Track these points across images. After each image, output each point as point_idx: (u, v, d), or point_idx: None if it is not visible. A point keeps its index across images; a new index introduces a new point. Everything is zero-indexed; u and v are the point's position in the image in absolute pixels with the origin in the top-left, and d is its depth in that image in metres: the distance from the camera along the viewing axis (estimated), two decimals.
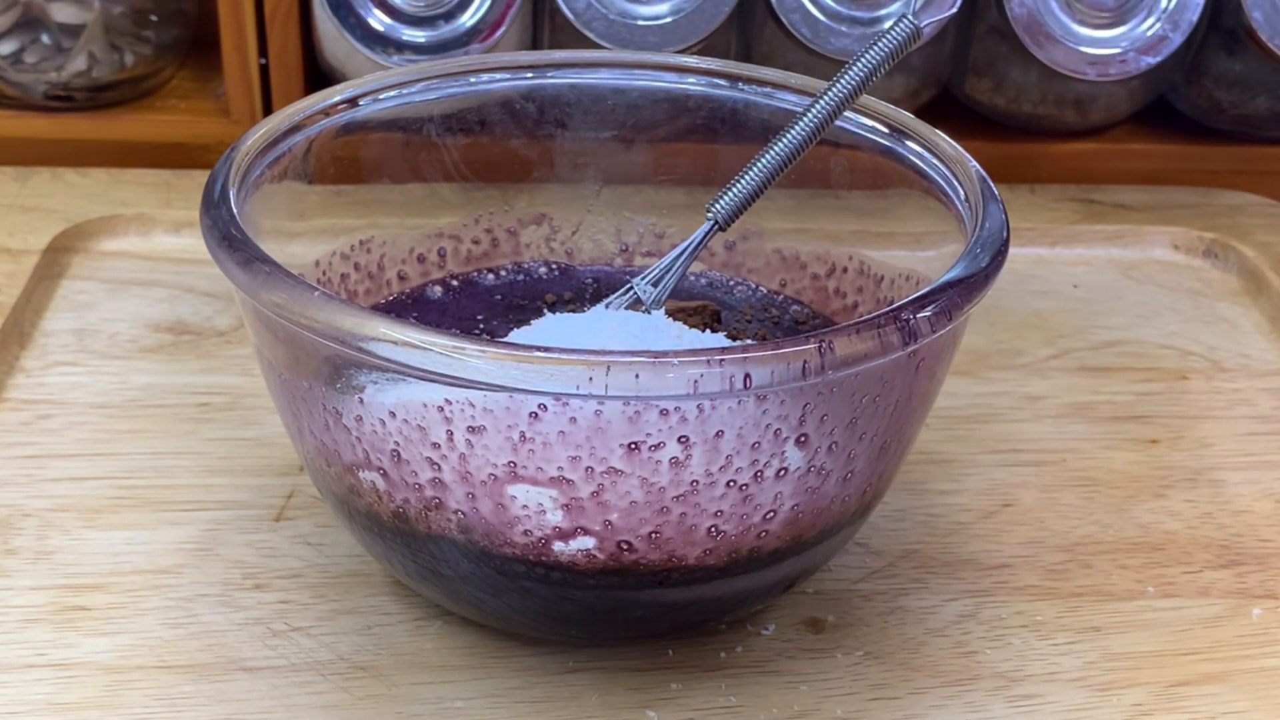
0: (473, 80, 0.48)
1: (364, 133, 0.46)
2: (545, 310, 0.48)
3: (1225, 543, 0.47)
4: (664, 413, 0.33)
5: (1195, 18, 0.65)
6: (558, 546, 0.35)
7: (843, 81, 0.42)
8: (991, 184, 0.41)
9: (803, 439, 0.34)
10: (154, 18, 0.68)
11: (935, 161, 0.43)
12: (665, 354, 0.31)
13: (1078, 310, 0.60)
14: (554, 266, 0.51)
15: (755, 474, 0.34)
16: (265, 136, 0.42)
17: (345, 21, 0.62)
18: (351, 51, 0.63)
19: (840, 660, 0.41)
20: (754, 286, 0.51)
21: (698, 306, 0.48)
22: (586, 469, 0.33)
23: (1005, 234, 0.38)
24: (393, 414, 0.34)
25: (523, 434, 0.33)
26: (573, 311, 0.47)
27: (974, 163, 0.42)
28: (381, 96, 0.46)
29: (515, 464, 0.34)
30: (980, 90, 0.70)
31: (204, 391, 0.51)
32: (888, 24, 0.46)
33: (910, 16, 0.42)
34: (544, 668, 0.40)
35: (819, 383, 0.33)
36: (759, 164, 0.42)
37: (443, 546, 0.36)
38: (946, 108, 0.71)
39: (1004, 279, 0.37)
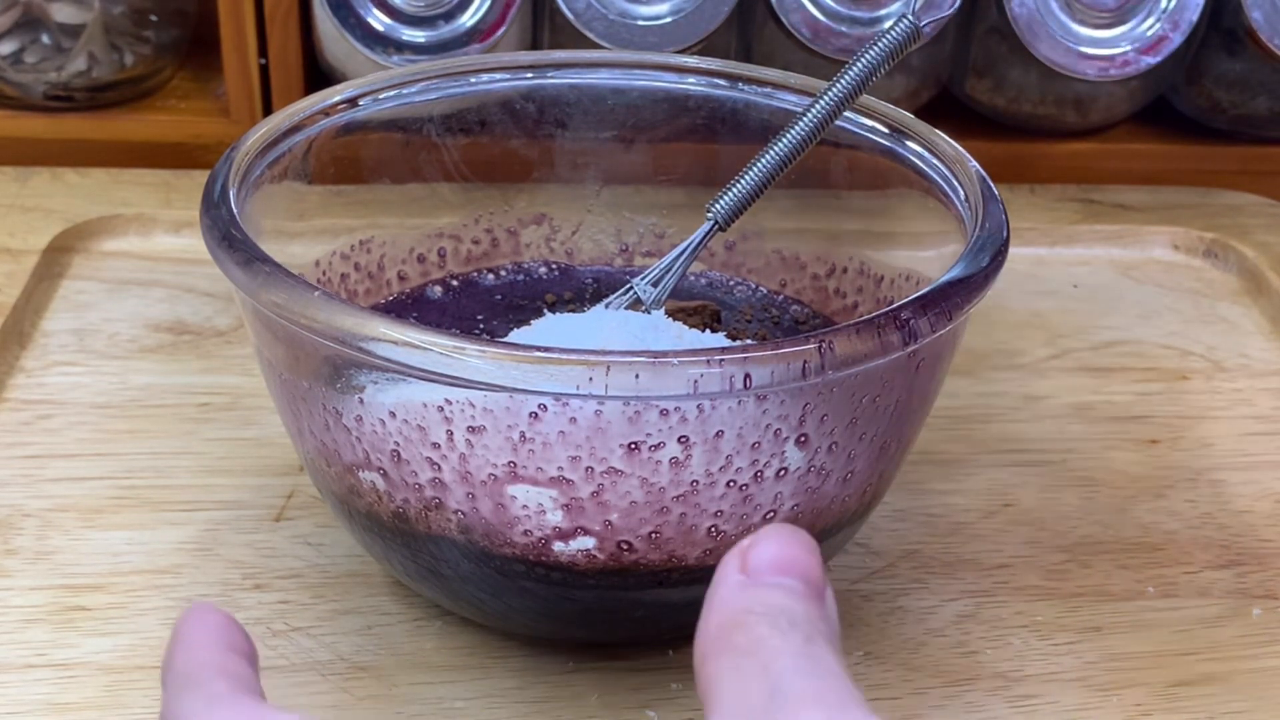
0: (473, 80, 0.48)
1: (364, 133, 0.46)
2: (545, 310, 0.48)
3: (1225, 543, 0.47)
4: (664, 413, 0.33)
5: (1195, 18, 0.65)
6: (558, 546, 0.35)
7: (843, 81, 0.42)
8: (991, 184, 0.41)
9: (803, 439, 0.34)
10: (154, 18, 0.68)
11: (935, 161, 0.43)
12: (665, 354, 0.31)
13: (1078, 310, 0.60)
14: (554, 266, 0.51)
15: (755, 474, 0.34)
16: (265, 136, 0.42)
17: (345, 21, 0.62)
18: (351, 51, 0.63)
19: None
20: (754, 286, 0.51)
21: (698, 306, 0.48)
22: (586, 469, 0.33)
23: (1005, 234, 0.38)
24: (393, 414, 0.34)
25: (523, 434, 0.33)
26: (573, 311, 0.47)
27: (974, 163, 0.42)
28: (381, 96, 0.46)
29: (515, 464, 0.34)
30: (980, 90, 0.70)
31: (204, 391, 0.51)
32: (887, 24, 0.46)
33: (910, 16, 0.42)
34: (544, 668, 0.40)
35: (819, 383, 0.33)
36: (759, 164, 0.42)
37: (443, 547, 0.36)
38: (946, 108, 0.71)
39: (1004, 279, 0.37)
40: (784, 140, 0.42)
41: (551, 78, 0.49)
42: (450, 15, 0.63)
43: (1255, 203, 0.69)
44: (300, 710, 0.28)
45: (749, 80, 0.48)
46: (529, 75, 0.49)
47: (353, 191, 0.47)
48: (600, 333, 0.40)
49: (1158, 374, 0.56)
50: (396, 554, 0.38)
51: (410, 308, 0.49)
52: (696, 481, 0.34)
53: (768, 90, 0.47)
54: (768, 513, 0.35)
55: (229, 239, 0.36)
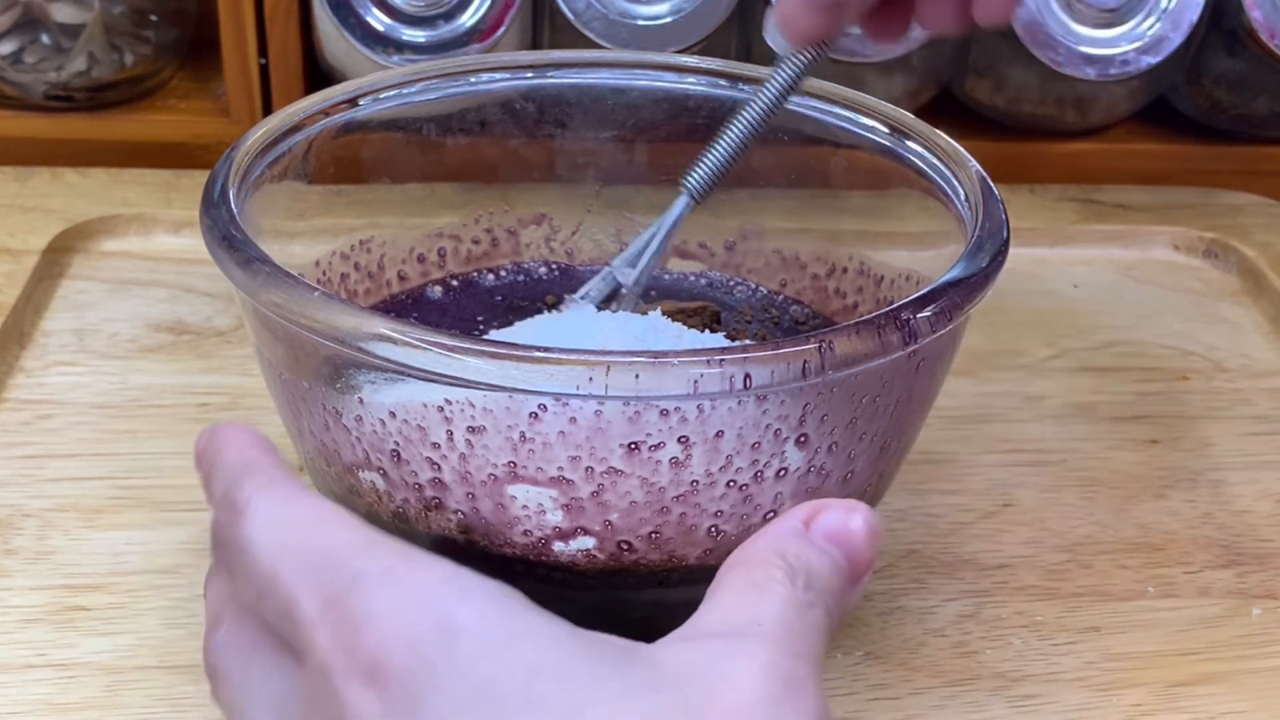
0: (473, 80, 0.48)
1: (364, 133, 0.46)
2: (545, 311, 0.48)
3: (1225, 543, 0.47)
4: (664, 413, 0.33)
5: (1195, 18, 0.65)
6: (558, 547, 0.35)
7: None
8: (991, 184, 0.41)
9: (803, 439, 0.34)
10: (154, 18, 0.68)
11: (935, 161, 0.43)
12: (665, 354, 0.31)
13: (1078, 310, 0.60)
14: (554, 266, 0.51)
15: (755, 474, 0.34)
16: (265, 136, 0.42)
17: (345, 21, 0.62)
18: (351, 51, 0.63)
19: (840, 660, 0.41)
20: (754, 287, 0.51)
21: (698, 307, 0.48)
22: (586, 469, 0.33)
23: (1005, 234, 0.38)
24: (392, 414, 0.34)
25: (523, 434, 0.33)
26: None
27: (974, 162, 0.42)
28: (381, 96, 0.46)
29: (515, 464, 0.34)
30: (980, 90, 0.70)
31: (204, 391, 0.51)
32: None
33: None
34: None
35: (819, 383, 0.33)
36: (728, 134, 0.43)
37: (443, 547, 0.36)
38: (946, 108, 0.71)
39: (1004, 279, 0.37)
40: (752, 108, 0.42)
41: (551, 78, 0.49)
42: (450, 15, 0.63)
43: (1255, 203, 0.69)
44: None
45: (749, 80, 0.48)
46: (529, 75, 0.49)
47: (353, 191, 0.47)
48: (594, 333, 0.40)
49: (1158, 374, 0.56)
50: None
51: (410, 308, 0.49)
52: (696, 482, 0.34)
53: None
54: (768, 513, 0.35)
55: (229, 239, 0.36)
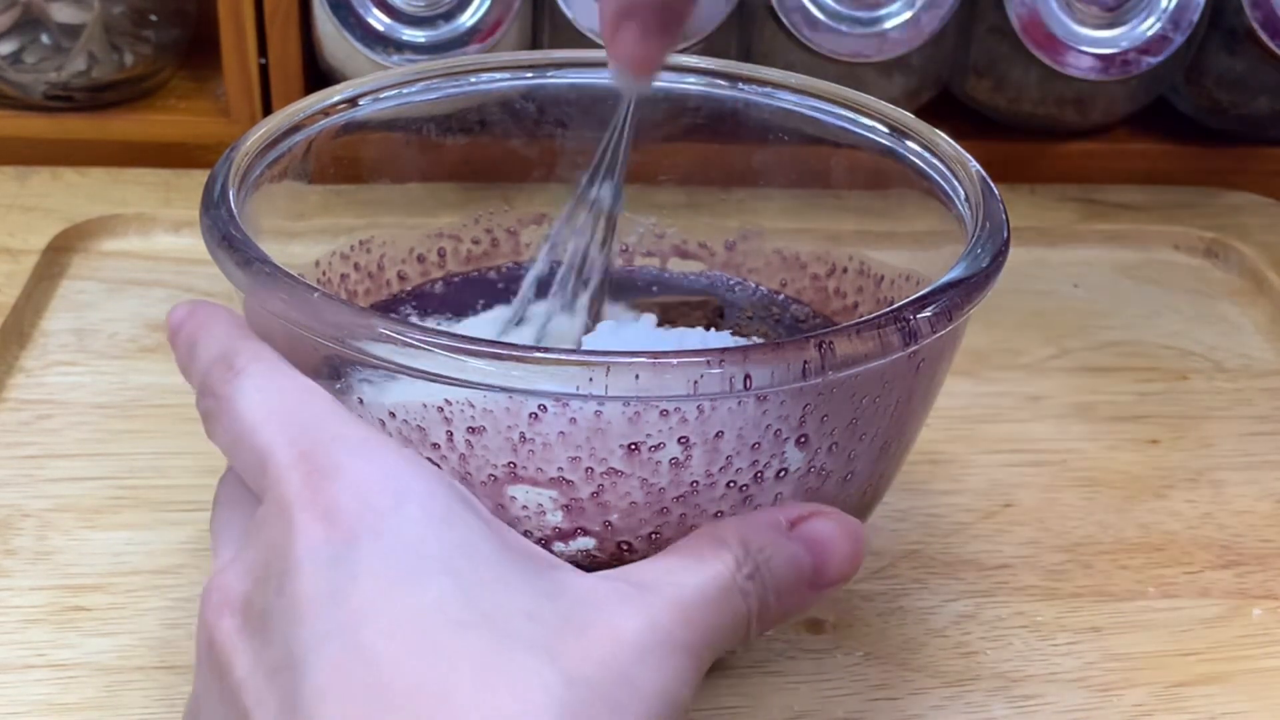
0: (473, 80, 0.48)
1: (364, 133, 0.46)
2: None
3: (1225, 543, 0.47)
4: (664, 413, 0.33)
5: (1195, 18, 0.65)
6: (558, 547, 0.35)
7: None
8: (992, 184, 0.41)
9: (803, 439, 0.34)
10: (154, 18, 0.68)
11: (935, 161, 0.43)
12: (665, 354, 0.31)
13: (1078, 310, 0.60)
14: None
15: (755, 475, 0.34)
16: (265, 136, 0.41)
17: (345, 21, 0.62)
18: (351, 51, 0.63)
19: (840, 660, 0.41)
20: (754, 286, 0.51)
21: (700, 301, 0.48)
22: (586, 470, 0.33)
23: (1006, 234, 0.38)
24: (392, 414, 0.34)
25: (522, 435, 0.33)
26: None
27: (974, 163, 0.42)
28: (381, 96, 0.46)
29: (515, 464, 0.34)
30: (980, 90, 0.70)
31: None
32: None
33: None
34: None
35: (819, 383, 0.33)
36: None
37: None
38: (946, 108, 0.71)
39: (1004, 279, 0.37)
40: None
41: (551, 78, 0.49)
42: (450, 15, 0.63)
43: (1255, 203, 0.69)
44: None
45: (749, 80, 0.48)
46: (529, 75, 0.49)
47: (353, 191, 0.47)
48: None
49: (1158, 374, 0.56)
50: None
51: (411, 308, 0.49)
52: (696, 482, 0.34)
53: (768, 90, 0.47)
54: None
55: (229, 239, 0.36)
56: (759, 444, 0.34)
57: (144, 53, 0.68)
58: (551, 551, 0.35)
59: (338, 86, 0.45)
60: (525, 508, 0.34)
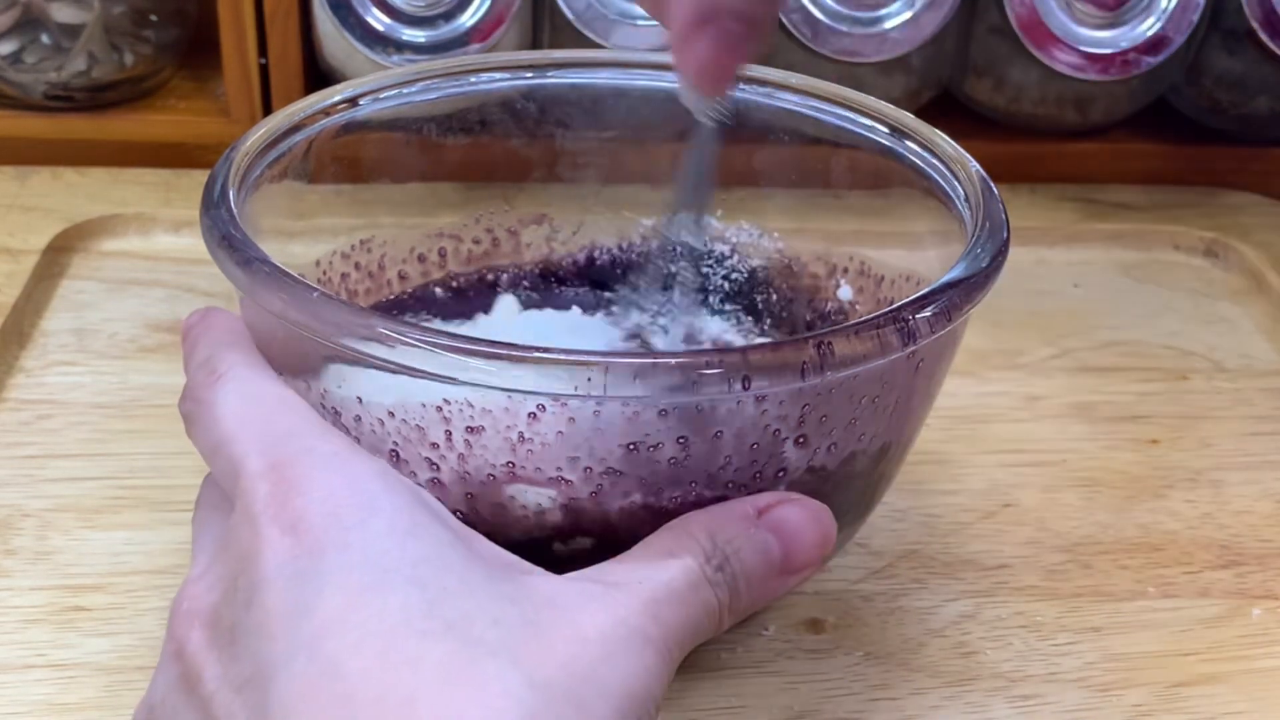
0: (473, 80, 0.48)
1: (364, 133, 0.46)
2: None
3: (1225, 543, 0.47)
4: (663, 413, 0.33)
5: (1195, 18, 0.65)
6: (557, 547, 0.35)
7: None
8: (992, 184, 0.41)
9: (802, 440, 0.34)
10: (154, 18, 0.68)
11: (935, 161, 0.43)
12: (664, 354, 0.31)
13: (1078, 310, 0.60)
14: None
15: (754, 475, 0.34)
16: (265, 136, 0.42)
17: (345, 21, 0.62)
18: (351, 51, 0.63)
19: (840, 660, 0.41)
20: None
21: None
22: (585, 469, 0.33)
23: (1006, 234, 0.38)
24: (391, 414, 0.34)
25: (521, 434, 0.33)
26: None
27: (974, 163, 0.42)
28: (381, 96, 0.46)
29: (514, 464, 0.34)
30: (980, 90, 0.70)
31: None
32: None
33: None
34: None
35: (818, 384, 0.33)
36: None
37: None
38: (946, 108, 0.71)
39: (1004, 279, 0.37)
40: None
41: (551, 78, 0.49)
42: (450, 15, 0.63)
43: (1255, 203, 0.69)
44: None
45: (749, 80, 0.48)
46: (529, 75, 0.49)
47: (353, 191, 0.47)
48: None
49: (1158, 374, 0.56)
50: None
51: (411, 308, 0.49)
52: (695, 482, 0.34)
53: (768, 90, 0.47)
54: None
55: (229, 239, 0.36)
56: (758, 444, 0.34)
57: (144, 53, 0.68)
58: (550, 551, 0.35)
59: (338, 86, 0.45)
60: (524, 507, 0.34)
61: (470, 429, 0.33)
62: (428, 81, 0.47)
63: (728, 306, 0.49)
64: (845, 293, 0.48)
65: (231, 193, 0.38)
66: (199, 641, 0.30)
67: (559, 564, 0.34)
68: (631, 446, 0.33)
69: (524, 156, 0.50)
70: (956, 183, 0.42)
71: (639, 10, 0.63)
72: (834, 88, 0.46)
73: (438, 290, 0.49)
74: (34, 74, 0.66)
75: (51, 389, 0.51)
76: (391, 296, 0.49)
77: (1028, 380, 0.55)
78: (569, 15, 0.63)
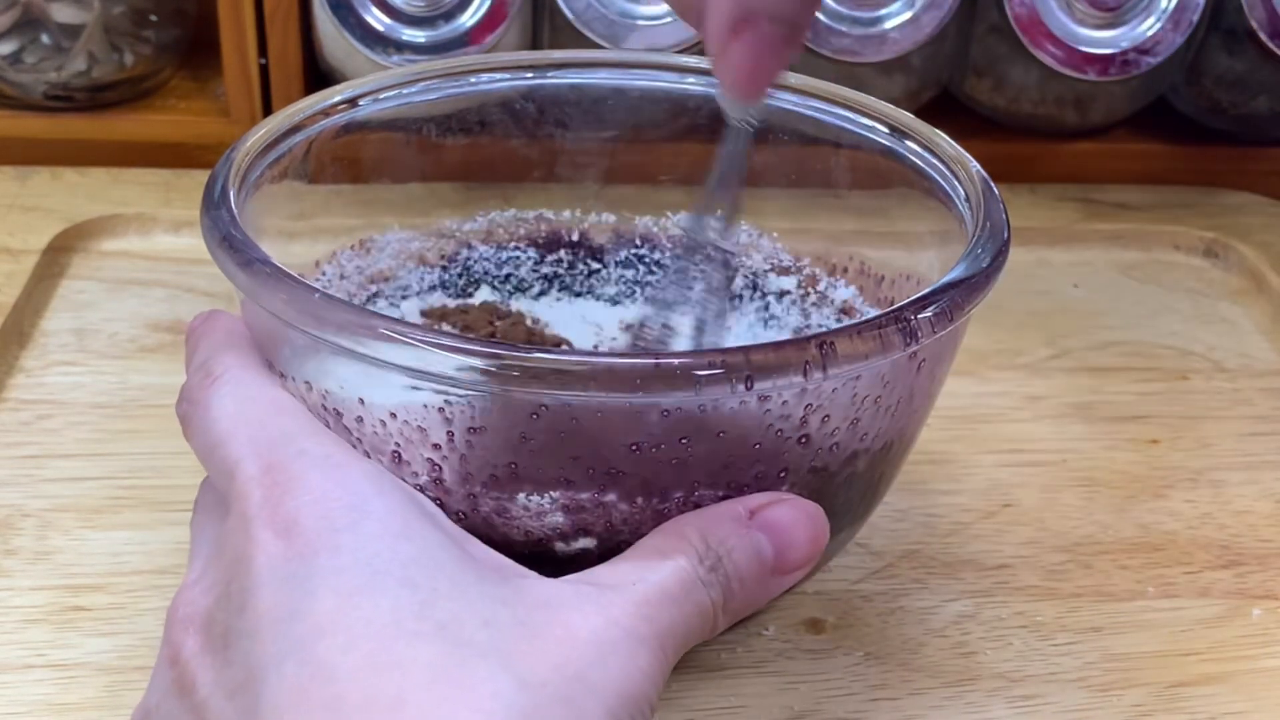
0: (473, 80, 0.48)
1: (364, 133, 0.46)
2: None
3: (1225, 543, 0.47)
4: (665, 413, 0.33)
5: (1195, 18, 0.65)
6: (559, 547, 0.35)
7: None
8: (992, 184, 0.41)
9: (804, 439, 0.34)
10: (154, 18, 0.68)
11: (936, 161, 0.43)
12: (666, 354, 0.31)
13: (1078, 310, 0.60)
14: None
15: (756, 475, 0.34)
16: (265, 137, 0.42)
17: (345, 21, 0.62)
18: (351, 51, 0.63)
19: (840, 660, 0.41)
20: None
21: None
22: (587, 470, 0.33)
23: (1006, 234, 0.38)
24: (393, 415, 0.34)
25: (523, 435, 0.33)
26: None
27: (974, 163, 0.42)
28: (381, 96, 0.46)
29: (516, 465, 0.34)
30: (980, 90, 0.70)
31: None
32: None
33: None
34: None
35: (820, 383, 0.33)
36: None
37: None
38: (946, 108, 0.71)
39: (1004, 279, 0.37)
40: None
41: (551, 78, 0.49)
42: (450, 15, 0.63)
43: (1255, 203, 0.69)
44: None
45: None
46: (529, 75, 0.49)
47: (353, 191, 0.47)
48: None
49: (1158, 374, 0.56)
50: None
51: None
52: (698, 482, 0.34)
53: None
54: None
55: (229, 239, 0.36)
56: (760, 444, 0.34)
57: (144, 53, 0.68)
58: (553, 551, 0.35)
59: (338, 86, 0.45)
60: (526, 508, 0.34)
61: (472, 429, 0.33)
62: (428, 81, 0.47)
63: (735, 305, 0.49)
64: (845, 293, 0.48)
65: (232, 193, 0.38)
66: (193, 647, 0.31)
67: (561, 564, 0.34)
68: (634, 447, 0.33)
69: (524, 156, 0.50)
70: (957, 183, 0.42)
71: (639, 10, 0.63)
72: (834, 88, 0.46)
73: (438, 289, 0.49)
74: (34, 74, 0.66)
75: (51, 389, 0.51)
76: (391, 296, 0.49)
77: (1028, 380, 0.55)
78: (569, 15, 0.63)
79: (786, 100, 0.47)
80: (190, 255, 0.59)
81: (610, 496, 0.34)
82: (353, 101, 0.45)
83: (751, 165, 0.47)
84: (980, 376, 0.55)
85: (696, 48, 0.63)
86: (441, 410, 0.33)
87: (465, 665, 0.28)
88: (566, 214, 0.51)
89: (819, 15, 0.64)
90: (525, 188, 0.51)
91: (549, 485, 0.34)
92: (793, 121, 0.47)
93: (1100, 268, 0.64)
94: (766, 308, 0.49)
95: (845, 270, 0.48)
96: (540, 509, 0.34)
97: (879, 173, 0.45)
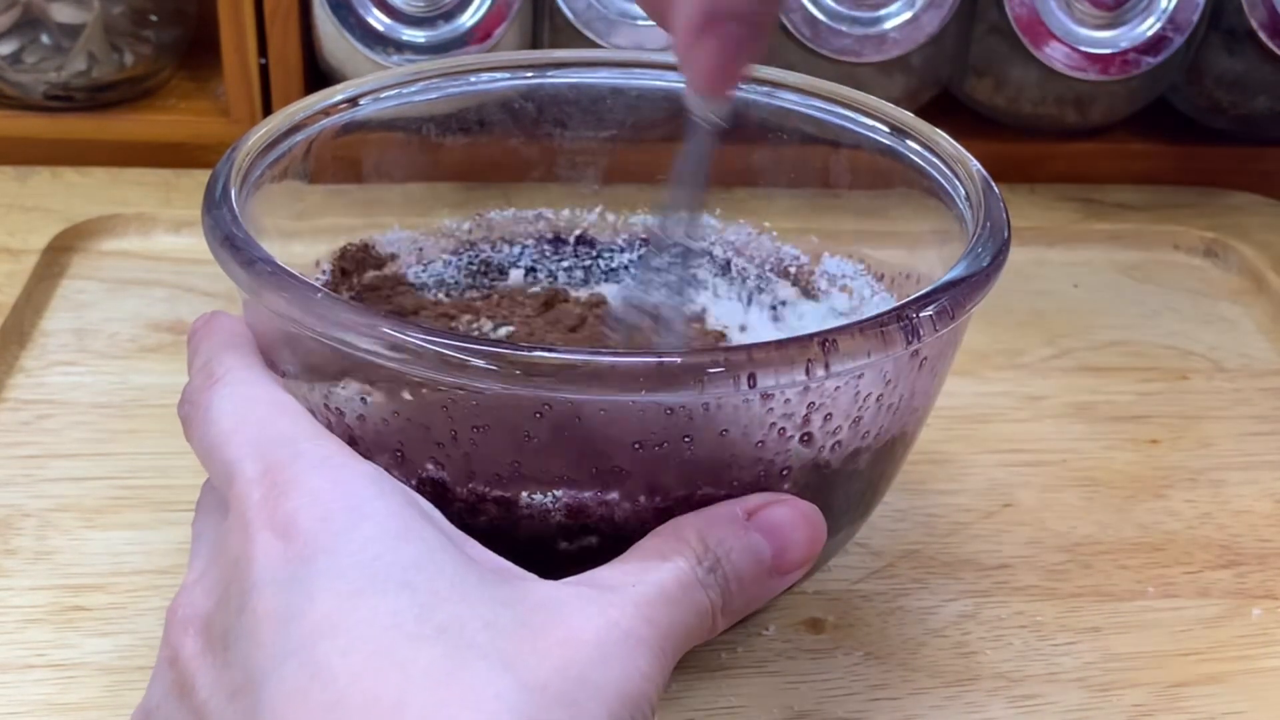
0: (473, 80, 0.48)
1: (364, 133, 0.46)
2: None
3: (1225, 543, 0.47)
4: (669, 411, 0.33)
5: (1195, 18, 0.65)
6: (562, 545, 0.35)
7: None
8: (992, 183, 0.41)
9: (806, 438, 0.34)
10: (154, 18, 0.68)
11: (936, 161, 0.43)
12: (670, 353, 0.31)
13: (1078, 310, 0.60)
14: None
15: (759, 473, 0.34)
16: (265, 136, 0.42)
17: (345, 21, 0.62)
18: (351, 51, 0.63)
19: (840, 660, 0.41)
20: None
21: None
22: (591, 469, 0.33)
23: (1006, 233, 0.38)
24: (396, 413, 0.34)
25: (527, 434, 0.33)
26: None
27: (975, 162, 0.42)
28: (381, 96, 0.46)
29: (519, 463, 0.34)
30: (980, 90, 0.70)
31: None
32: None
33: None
34: None
35: (823, 381, 0.33)
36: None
37: None
38: (946, 108, 0.71)
39: (1004, 279, 0.37)
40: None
41: (551, 77, 0.49)
42: (450, 15, 0.63)
43: (1255, 203, 0.69)
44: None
45: (749, 80, 0.48)
46: (529, 75, 0.49)
47: (353, 191, 0.47)
48: None
49: (1158, 374, 0.56)
50: None
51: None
52: (700, 480, 0.34)
53: (768, 90, 0.47)
54: None
55: (231, 239, 0.36)
56: (763, 442, 0.34)
57: (144, 53, 0.68)
58: (556, 549, 0.35)
59: (338, 86, 0.45)
60: (529, 506, 0.34)
61: (476, 428, 0.33)
62: (428, 81, 0.47)
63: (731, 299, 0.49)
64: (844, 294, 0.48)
65: (233, 192, 0.38)
66: (193, 649, 0.31)
67: (564, 562, 0.34)
68: (637, 445, 0.33)
69: (523, 156, 0.50)
70: (957, 182, 0.42)
71: (639, 10, 0.63)
72: (834, 87, 0.46)
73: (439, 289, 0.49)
74: (34, 74, 0.66)
75: (51, 389, 0.51)
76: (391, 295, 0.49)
77: (1028, 380, 0.55)
78: (569, 15, 0.63)
79: (787, 100, 0.47)
80: (190, 255, 0.59)
81: (613, 495, 0.34)
82: (353, 101, 0.45)
83: (750, 166, 0.47)
84: (980, 376, 0.55)
85: None
86: (444, 409, 0.33)
87: (467, 667, 0.28)
88: (566, 212, 0.51)
89: (819, 15, 0.64)
90: (525, 187, 0.51)
91: (552, 484, 0.34)
92: (793, 121, 0.47)
93: (1100, 267, 0.64)
94: (773, 308, 0.49)
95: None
96: (543, 507, 0.34)
97: (879, 172, 0.45)
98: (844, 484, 0.37)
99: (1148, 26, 0.66)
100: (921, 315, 0.34)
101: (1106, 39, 0.66)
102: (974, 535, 0.47)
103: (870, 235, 0.48)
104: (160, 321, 0.55)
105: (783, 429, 0.34)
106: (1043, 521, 0.48)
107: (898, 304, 0.34)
